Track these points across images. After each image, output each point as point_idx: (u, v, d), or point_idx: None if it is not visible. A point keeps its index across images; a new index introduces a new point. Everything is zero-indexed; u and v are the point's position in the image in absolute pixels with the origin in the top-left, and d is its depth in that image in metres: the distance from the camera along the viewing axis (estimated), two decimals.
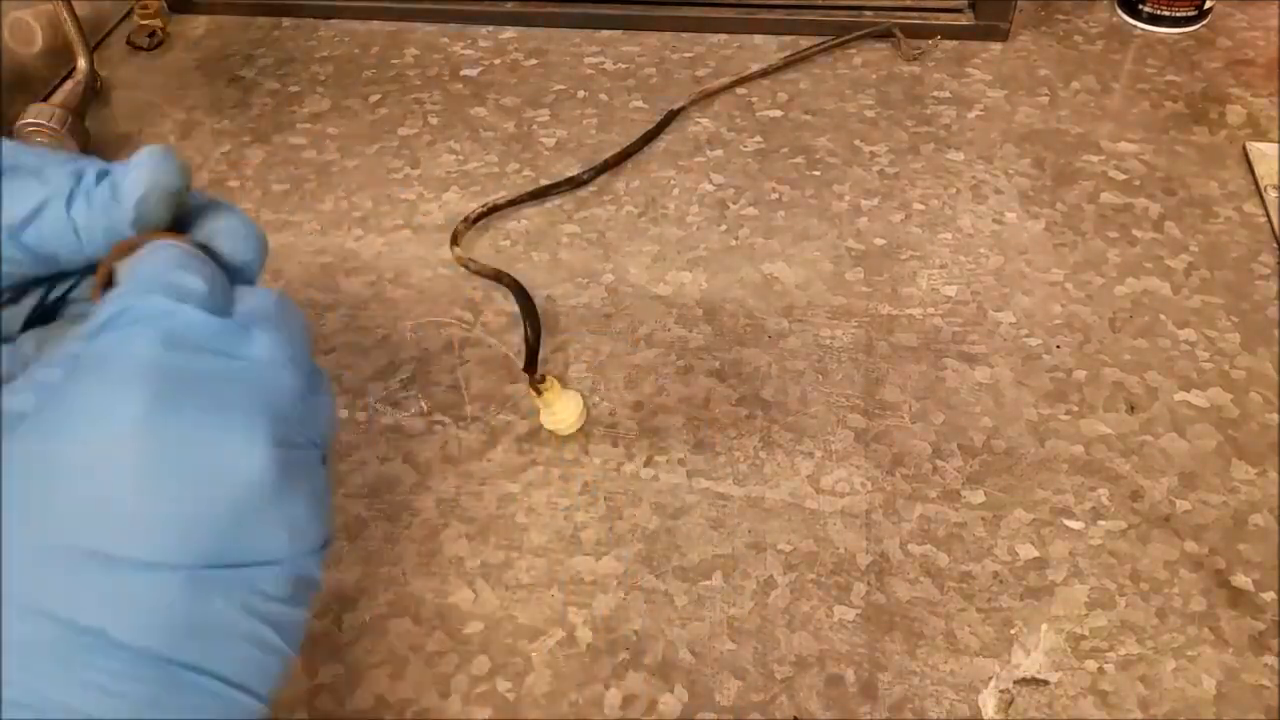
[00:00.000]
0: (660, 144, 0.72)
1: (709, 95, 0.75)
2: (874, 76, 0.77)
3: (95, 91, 0.76)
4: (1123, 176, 0.67)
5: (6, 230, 0.26)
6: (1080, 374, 0.56)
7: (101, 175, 0.27)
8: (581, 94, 0.77)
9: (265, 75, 0.81)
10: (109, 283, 0.27)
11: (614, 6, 0.83)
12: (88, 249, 0.27)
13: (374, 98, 0.78)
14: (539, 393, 0.53)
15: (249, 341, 0.24)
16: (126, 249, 0.27)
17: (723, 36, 0.82)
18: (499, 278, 0.60)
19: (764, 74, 0.77)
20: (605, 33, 0.83)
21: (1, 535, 0.21)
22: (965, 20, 0.80)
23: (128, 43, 0.85)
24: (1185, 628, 0.45)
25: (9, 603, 0.21)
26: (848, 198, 0.67)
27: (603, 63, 0.80)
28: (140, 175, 0.27)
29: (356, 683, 0.45)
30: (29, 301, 0.29)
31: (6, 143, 0.28)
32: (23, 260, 0.27)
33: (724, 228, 0.65)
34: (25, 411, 0.23)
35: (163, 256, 0.25)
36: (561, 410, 0.53)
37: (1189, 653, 0.45)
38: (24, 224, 0.27)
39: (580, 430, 0.54)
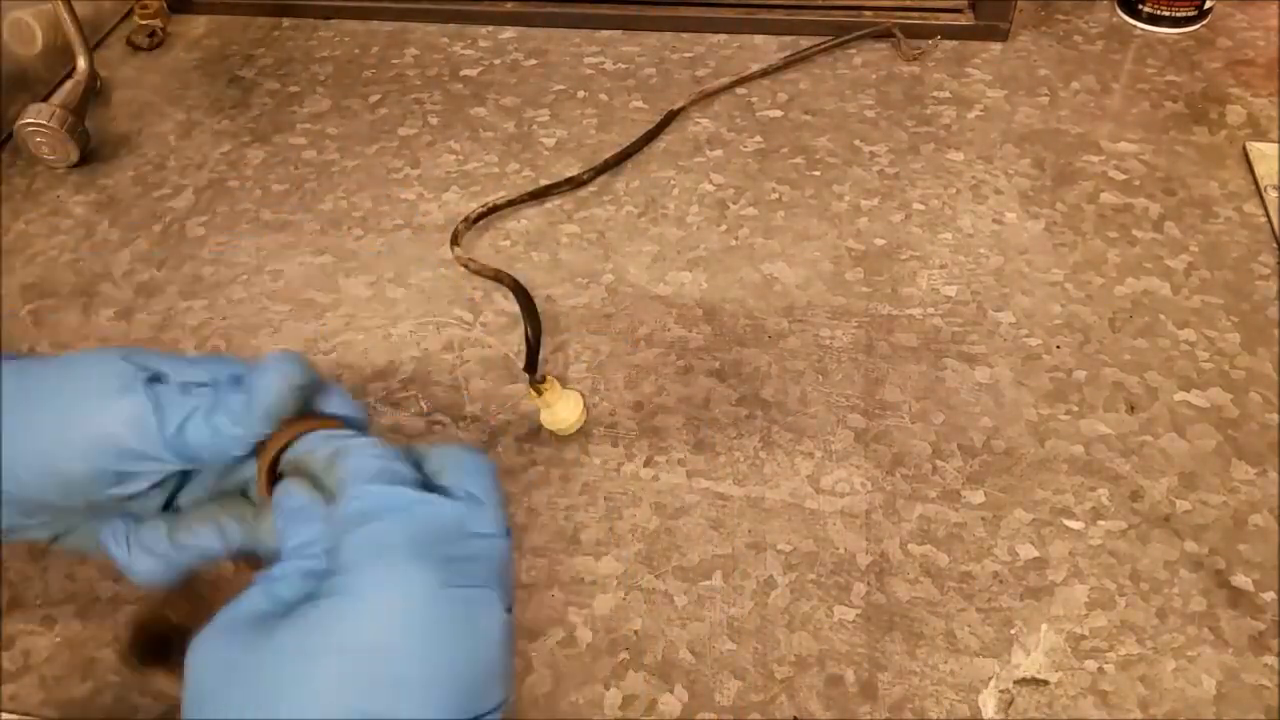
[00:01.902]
0: (660, 144, 0.72)
1: (709, 95, 0.75)
2: (874, 76, 0.77)
3: (95, 91, 0.76)
4: (1123, 176, 0.67)
5: (163, 441, 0.31)
6: (1080, 374, 0.56)
7: (235, 380, 0.32)
8: (581, 94, 0.77)
9: (265, 75, 0.81)
10: (274, 475, 0.32)
11: (614, 6, 0.83)
12: (230, 450, 0.32)
13: (374, 98, 0.78)
14: (539, 393, 0.53)
15: (480, 518, 0.29)
16: (280, 443, 0.32)
17: (723, 36, 0.82)
18: (499, 278, 0.60)
19: (764, 74, 0.77)
20: (605, 33, 0.83)
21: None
22: (965, 20, 0.80)
23: (128, 43, 0.85)
24: (1185, 628, 0.45)
25: None
26: (848, 198, 0.67)
27: (603, 63, 0.80)
28: (270, 382, 0.31)
29: None
30: (158, 493, 0.34)
31: (156, 357, 0.33)
32: (172, 462, 0.32)
33: (724, 228, 0.65)
34: (291, 599, 0.27)
35: (359, 447, 0.30)
36: (561, 410, 0.53)
37: (1189, 653, 0.44)
38: (175, 436, 0.31)
39: (580, 430, 0.54)
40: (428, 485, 0.30)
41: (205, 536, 0.33)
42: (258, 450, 0.33)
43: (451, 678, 0.26)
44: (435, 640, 0.26)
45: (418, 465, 0.31)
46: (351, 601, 0.26)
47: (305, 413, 0.33)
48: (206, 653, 0.27)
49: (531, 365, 0.54)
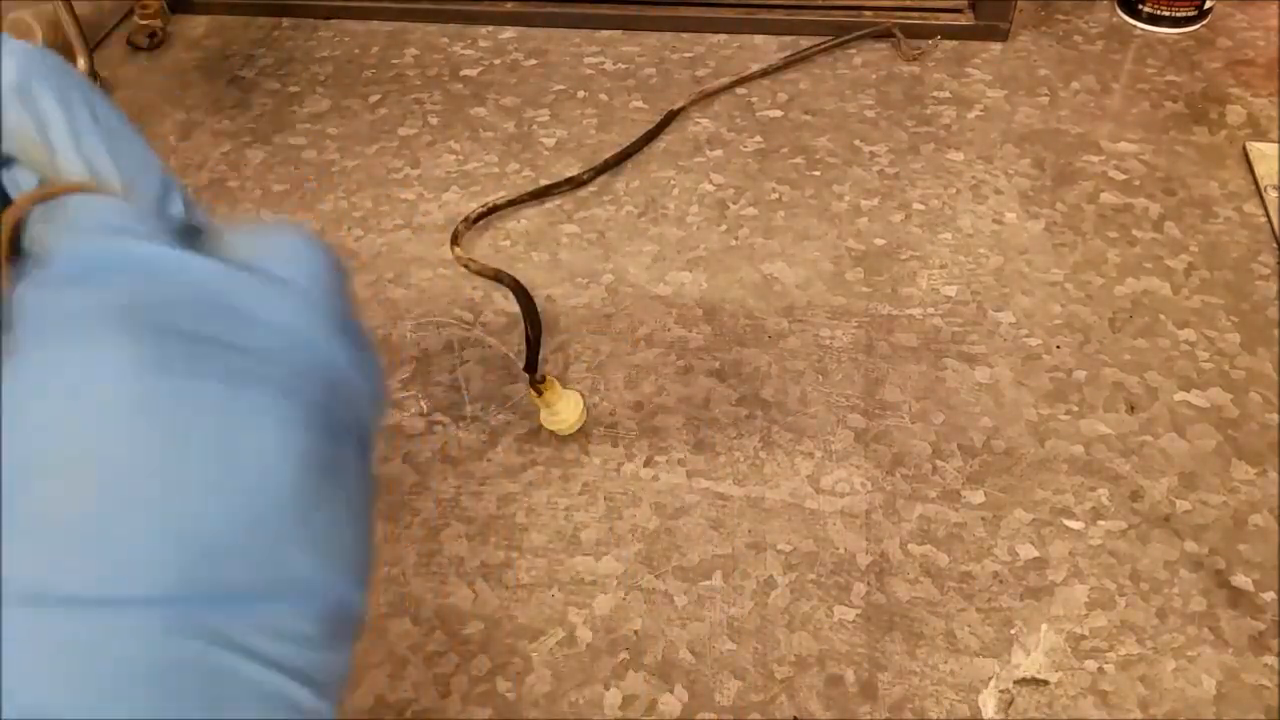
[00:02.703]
0: (660, 144, 0.72)
1: (709, 95, 0.75)
2: (874, 76, 0.77)
3: None
4: (1123, 176, 0.67)
5: None
6: (1080, 374, 0.56)
7: None
8: (581, 94, 0.77)
9: (265, 75, 0.81)
10: (15, 245, 0.21)
11: (614, 6, 0.83)
12: None
13: (374, 98, 0.78)
14: (539, 393, 0.53)
15: (271, 297, 0.18)
16: (36, 198, 0.21)
17: (723, 36, 0.82)
18: (499, 278, 0.60)
19: (764, 74, 0.77)
20: (605, 33, 0.83)
21: None
22: (965, 20, 0.80)
23: (128, 43, 0.85)
24: (1185, 628, 0.45)
25: None
26: (848, 198, 0.67)
27: (603, 63, 0.80)
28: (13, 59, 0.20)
29: (356, 683, 0.45)
30: None
31: None
32: None
33: (724, 228, 0.65)
34: None
35: (94, 199, 0.19)
36: (561, 410, 0.53)
37: (1189, 653, 0.44)
38: None
39: (580, 430, 0.54)
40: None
41: None
42: None
43: (171, 526, 0.16)
44: (134, 458, 0.16)
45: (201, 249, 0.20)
46: (22, 388, 0.16)
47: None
48: None
49: (531, 365, 0.54)
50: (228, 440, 0.16)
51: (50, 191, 0.21)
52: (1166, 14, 0.79)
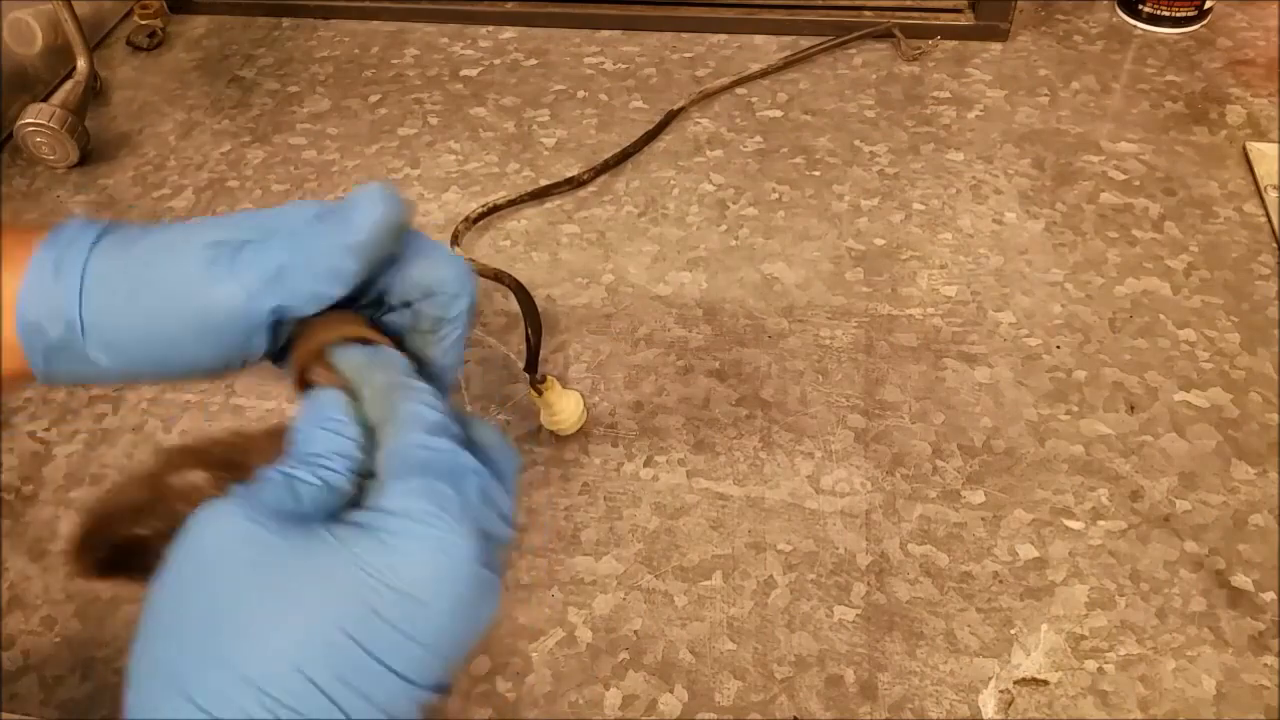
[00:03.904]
0: (660, 144, 0.72)
1: (709, 95, 0.75)
2: (874, 76, 0.77)
3: (95, 91, 0.76)
4: (1123, 176, 0.67)
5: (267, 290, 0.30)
6: (1080, 374, 0.56)
7: (317, 219, 0.30)
8: (581, 94, 0.77)
9: (265, 75, 0.81)
10: (309, 368, 0.30)
11: (614, 6, 0.83)
12: (325, 290, 0.30)
13: (374, 98, 0.78)
14: (539, 393, 0.53)
15: (509, 505, 0.28)
16: (324, 335, 0.30)
17: (723, 36, 0.82)
18: (499, 278, 0.60)
19: (764, 74, 0.77)
20: (605, 33, 0.83)
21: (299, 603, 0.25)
22: (965, 20, 0.80)
23: (128, 43, 0.85)
24: (1185, 628, 0.45)
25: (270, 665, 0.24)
26: (848, 198, 0.67)
27: (603, 63, 0.80)
28: (366, 213, 0.29)
29: None
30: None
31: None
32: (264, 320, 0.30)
33: (724, 228, 0.65)
34: (310, 504, 0.27)
35: (421, 390, 0.29)
36: (561, 410, 0.53)
37: (1189, 653, 0.44)
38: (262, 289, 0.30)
39: (580, 430, 0.54)
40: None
41: None
42: (296, 337, 0.30)
43: (447, 652, 0.26)
44: (456, 613, 0.26)
45: (462, 428, 0.30)
46: (400, 542, 0.25)
47: (356, 309, 0.31)
48: (222, 522, 0.26)
49: (532, 365, 0.54)
50: (484, 612, 0.27)
51: (355, 330, 0.30)
52: (1166, 14, 0.79)
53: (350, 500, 0.28)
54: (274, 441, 0.30)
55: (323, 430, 0.28)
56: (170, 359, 0.30)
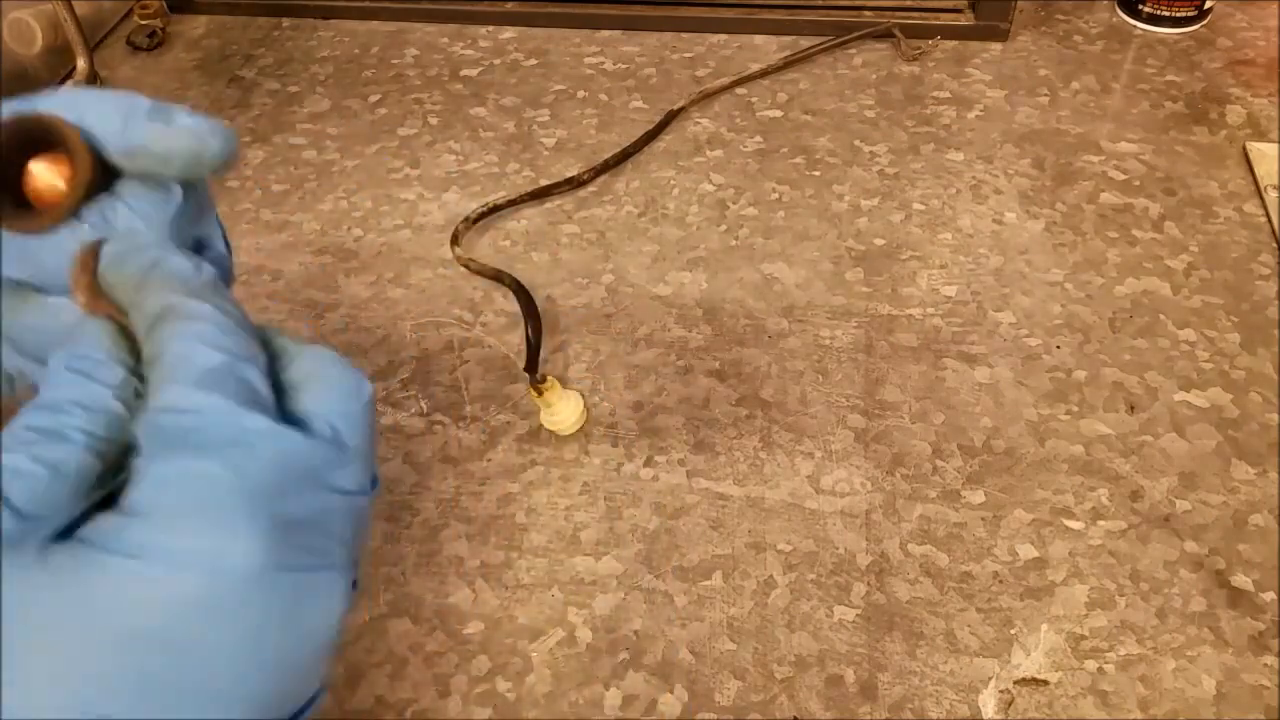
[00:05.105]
0: (660, 144, 0.72)
1: (709, 95, 0.75)
2: (874, 76, 0.77)
3: None
4: (1123, 176, 0.67)
5: None
6: (1080, 374, 0.56)
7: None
8: (581, 94, 0.77)
9: (265, 75, 0.81)
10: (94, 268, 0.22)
11: (614, 6, 0.83)
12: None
13: (374, 98, 0.78)
14: (539, 393, 0.53)
15: (345, 468, 0.21)
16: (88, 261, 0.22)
17: (723, 36, 0.82)
18: (499, 278, 0.60)
19: (764, 74, 0.77)
20: (605, 33, 0.83)
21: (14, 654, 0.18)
22: (965, 20, 0.80)
23: (128, 43, 0.85)
24: (1185, 628, 0.45)
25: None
26: (848, 198, 0.67)
27: (603, 63, 0.80)
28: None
29: (356, 683, 0.45)
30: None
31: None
32: None
33: (724, 228, 0.65)
34: (63, 465, 0.19)
35: (199, 314, 0.21)
36: (561, 410, 0.53)
37: (1189, 653, 0.44)
38: None
39: (580, 430, 0.54)
40: (279, 400, 0.21)
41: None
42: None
43: (253, 689, 0.19)
44: (245, 643, 0.19)
45: (271, 361, 0.22)
46: (144, 566, 0.18)
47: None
48: None
49: (532, 365, 0.54)
50: (305, 620, 0.20)
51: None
52: (1166, 14, 0.79)
53: (108, 481, 0.20)
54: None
55: (70, 374, 0.21)
56: None
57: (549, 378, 0.53)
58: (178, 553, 0.18)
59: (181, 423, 0.19)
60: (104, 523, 0.19)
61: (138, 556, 0.18)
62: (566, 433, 0.54)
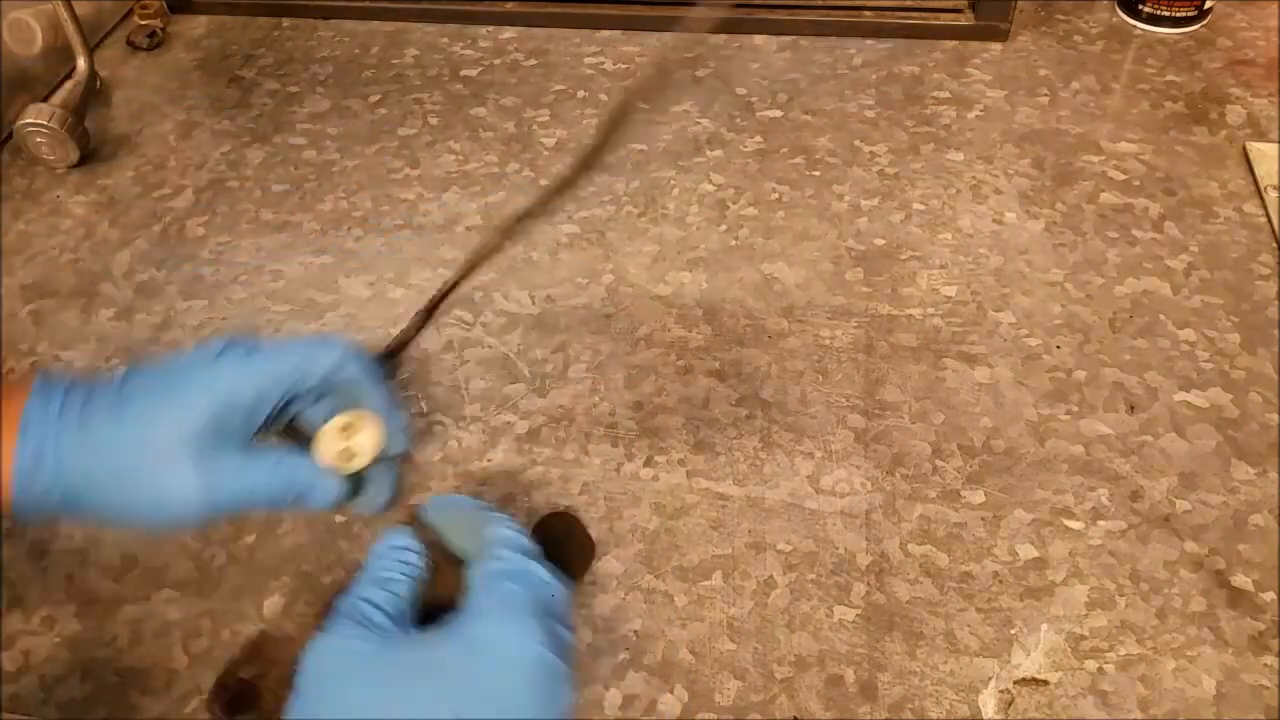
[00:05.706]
0: (660, 144, 0.72)
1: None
2: (874, 76, 0.77)
3: (95, 91, 0.75)
4: (1123, 176, 0.67)
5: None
6: (1080, 374, 0.56)
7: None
8: (581, 94, 0.77)
9: (265, 75, 0.81)
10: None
11: (614, 6, 0.83)
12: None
13: (374, 98, 0.78)
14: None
15: (563, 590, 0.36)
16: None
17: (723, 36, 0.82)
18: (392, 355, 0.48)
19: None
20: (605, 33, 0.83)
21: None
22: (965, 20, 0.80)
23: (128, 43, 0.85)
24: (1185, 628, 0.45)
25: None
26: (848, 198, 0.67)
27: (603, 63, 0.80)
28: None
29: None
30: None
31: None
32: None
33: (724, 228, 0.65)
34: (394, 614, 0.34)
35: (502, 518, 0.37)
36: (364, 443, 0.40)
37: (1189, 653, 0.44)
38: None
39: (580, 430, 0.54)
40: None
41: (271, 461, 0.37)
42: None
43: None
44: (533, 688, 0.32)
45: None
46: (481, 631, 0.32)
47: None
48: (327, 646, 0.33)
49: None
50: (558, 693, 0.32)
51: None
52: (1166, 14, 0.79)
53: (420, 604, 0.36)
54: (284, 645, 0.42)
55: (392, 550, 0.36)
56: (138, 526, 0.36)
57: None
58: (498, 626, 0.33)
59: (497, 566, 0.35)
60: (456, 617, 0.33)
61: (479, 625, 0.33)
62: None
